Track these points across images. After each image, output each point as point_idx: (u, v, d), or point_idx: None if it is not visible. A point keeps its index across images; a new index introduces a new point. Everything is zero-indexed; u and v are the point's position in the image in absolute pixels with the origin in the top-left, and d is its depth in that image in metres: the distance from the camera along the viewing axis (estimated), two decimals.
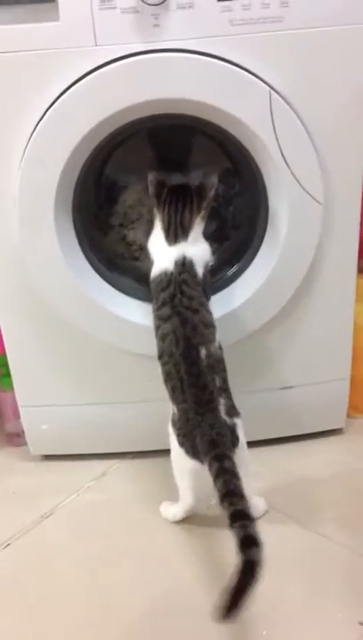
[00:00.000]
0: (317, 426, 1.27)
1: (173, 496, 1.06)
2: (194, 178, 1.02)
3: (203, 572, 0.96)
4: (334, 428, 1.28)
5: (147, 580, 0.96)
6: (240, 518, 0.80)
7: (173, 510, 1.07)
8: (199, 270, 0.96)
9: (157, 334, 0.96)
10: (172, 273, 0.95)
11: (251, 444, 0.98)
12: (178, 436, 0.95)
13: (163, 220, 0.98)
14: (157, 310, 0.97)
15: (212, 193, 0.97)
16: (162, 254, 0.98)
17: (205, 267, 0.98)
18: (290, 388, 1.21)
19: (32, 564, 1.02)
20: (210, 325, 0.95)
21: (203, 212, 0.97)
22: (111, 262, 1.14)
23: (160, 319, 0.95)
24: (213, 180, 0.96)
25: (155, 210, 0.99)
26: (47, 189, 0.97)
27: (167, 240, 0.98)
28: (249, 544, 0.77)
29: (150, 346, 1.09)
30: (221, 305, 1.07)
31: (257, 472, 1.05)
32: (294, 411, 1.23)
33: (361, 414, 1.33)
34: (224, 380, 0.94)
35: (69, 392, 1.21)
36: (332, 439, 1.28)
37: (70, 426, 1.24)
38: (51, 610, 0.92)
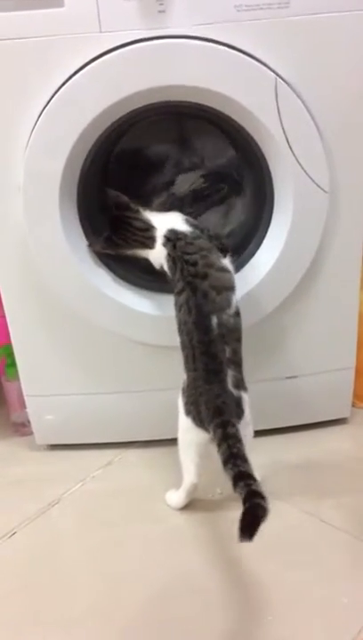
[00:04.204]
0: (321, 415, 1.27)
1: (176, 484, 1.07)
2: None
3: (208, 559, 0.97)
4: (339, 417, 1.28)
5: (153, 567, 0.97)
6: (244, 478, 0.81)
7: (176, 496, 1.08)
8: (184, 227, 0.99)
9: (176, 307, 0.97)
10: (169, 254, 0.98)
11: (255, 434, 0.98)
12: (185, 404, 0.96)
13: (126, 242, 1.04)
14: (174, 288, 0.98)
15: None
16: (157, 252, 1.01)
17: (188, 220, 1.00)
18: (295, 377, 1.21)
19: (38, 552, 1.02)
20: (223, 289, 0.94)
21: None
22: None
23: (177, 294, 0.97)
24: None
25: None
26: (52, 177, 0.97)
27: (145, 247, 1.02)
28: (255, 495, 0.78)
29: (154, 334, 1.10)
30: None
31: (260, 460, 1.05)
32: (299, 400, 1.23)
33: None
34: (236, 353, 0.94)
35: (75, 382, 1.21)
36: (336, 428, 1.28)
37: (76, 415, 1.24)
38: (57, 597, 0.93)
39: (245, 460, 0.84)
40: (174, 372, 0.98)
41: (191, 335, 0.93)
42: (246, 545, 0.97)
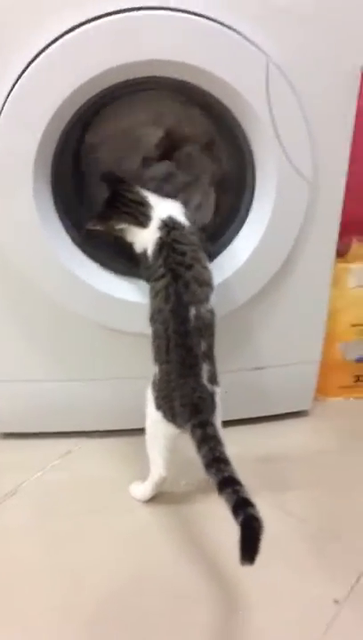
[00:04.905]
0: (283, 407, 1.27)
1: (140, 476, 1.04)
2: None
3: (175, 552, 0.95)
4: (301, 409, 1.29)
5: (117, 560, 0.94)
6: (230, 484, 0.80)
7: (143, 488, 1.05)
8: (183, 219, 0.96)
9: (151, 294, 0.95)
10: (161, 238, 0.94)
11: None
12: (156, 398, 0.93)
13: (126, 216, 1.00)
14: (154, 272, 0.95)
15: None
16: (146, 237, 0.97)
17: (186, 215, 0.98)
18: (262, 368, 1.20)
19: None
20: (204, 284, 0.93)
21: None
22: (90, 234, 1.09)
23: (155, 280, 0.94)
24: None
25: None
26: (26, 153, 0.91)
27: (138, 225, 0.99)
28: (245, 505, 0.77)
29: (124, 320, 1.06)
30: None
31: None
32: (264, 392, 1.23)
33: (325, 396, 1.35)
34: (210, 347, 0.92)
35: (34, 367, 1.15)
36: (298, 420, 1.29)
37: (33, 403, 1.18)
38: (16, 593, 0.88)
39: (227, 462, 0.83)
40: (139, 361, 0.95)
41: (167, 324, 0.91)
42: (214, 538, 0.97)
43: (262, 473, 1.13)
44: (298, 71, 0.92)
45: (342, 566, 0.93)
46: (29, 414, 1.20)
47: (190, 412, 0.88)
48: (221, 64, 0.89)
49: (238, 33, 0.89)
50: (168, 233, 0.94)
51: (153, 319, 0.94)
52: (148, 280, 0.97)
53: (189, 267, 0.92)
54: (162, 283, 0.92)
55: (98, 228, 1.02)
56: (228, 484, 0.80)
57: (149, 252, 0.96)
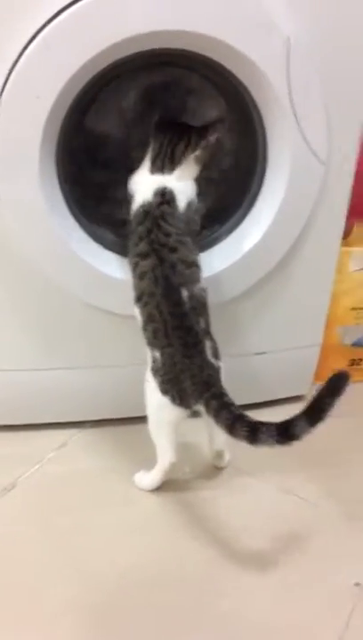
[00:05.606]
0: (283, 392, 1.26)
1: (139, 465, 1.02)
2: None
3: (180, 541, 0.93)
4: (299, 394, 1.29)
5: (121, 552, 0.91)
6: (263, 424, 0.82)
7: (150, 477, 1.02)
8: (181, 204, 0.92)
9: (135, 273, 0.91)
10: (150, 204, 0.90)
11: None
12: (161, 383, 0.91)
13: (153, 148, 0.93)
14: (134, 246, 0.91)
15: (213, 137, 0.92)
16: (143, 186, 0.93)
17: (190, 205, 0.93)
18: (264, 353, 1.19)
19: None
20: (192, 264, 0.90)
21: (199, 152, 0.92)
22: (92, 213, 1.03)
23: (138, 255, 0.90)
24: (219, 125, 0.92)
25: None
26: (33, 129, 0.84)
27: (152, 168, 0.93)
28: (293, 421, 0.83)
29: (122, 303, 1.01)
30: (211, 264, 1.02)
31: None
32: (264, 377, 1.22)
33: (320, 382, 1.33)
34: (208, 324, 0.91)
35: (25, 356, 1.10)
36: (296, 406, 1.27)
37: (25, 393, 1.13)
38: (20, 589, 0.85)
39: (251, 419, 0.84)
40: (134, 347, 0.92)
41: (161, 308, 0.88)
42: (228, 526, 0.96)
43: (268, 458, 1.10)
44: (318, 48, 0.89)
45: (360, 548, 0.93)
46: (21, 405, 1.14)
47: (202, 387, 0.87)
48: (241, 36, 0.85)
49: (260, 5, 0.85)
50: (159, 205, 0.90)
51: (142, 302, 0.90)
52: (127, 248, 0.94)
53: (174, 249, 0.88)
54: (147, 264, 0.89)
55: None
56: (260, 424, 0.82)
57: (132, 205, 0.92)
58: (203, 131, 0.92)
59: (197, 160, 0.93)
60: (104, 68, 0.87)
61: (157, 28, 0.82)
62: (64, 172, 0.94)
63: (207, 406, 0.86)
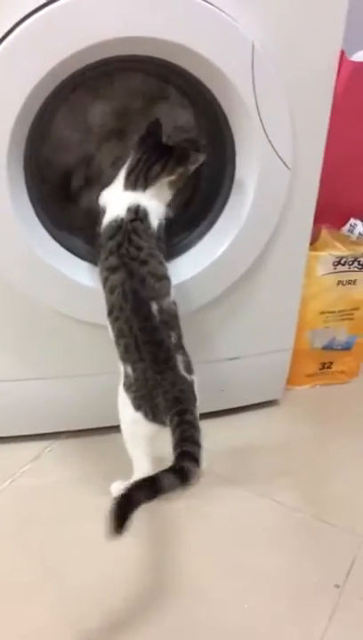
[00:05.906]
0: (256, 397, 1.27)
1: (114, 475, 0.99)
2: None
3: (158, 550, 0.92)
4: (273, 398, 1.29)
5: (99, 564, 0.89)
6: (186, 454, 0.80)
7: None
8: (153, 222, 0.92)
9: (105, 287, 0.90)
10: (123, 219, 0.90)
11: None
12: (134, 399, 0.89)
13: (130, 163, 0.92)
14: (104, 260, 0.91)
15: (191, 166, 0.92)
16: (116, 201, 0.92)
17: (160, 222, 0.93)
18: (237, 358, 1.19)
19: None
20: (162, 278, 0.90)
21: (174, 177, 0.92)
22: (60, 221, 1.02)
23: (108, 270, 0.90)
24: (199, 156, 0.92)
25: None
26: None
27: (125, 184, 0.92)
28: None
29: (95, 312, 1.00)
30: (179, 271, 1.02)
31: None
32: (238, 382, 1.22)
33: (292, 385, 1.36)
34: (179, 337, 0.90)
35: None
36: (269, 410, 1.29)
37: None
38: (5, 605, 0.82)
39: (197, 444, 0.81)
40: (107, 356, 0.91)
41: (130, 323, 0.87)
42: (205, 533, 0.95)
43: (245, 464, 1.12)
44: (282, 54, 0.90)
45: (339, 551, 0.93)
46: None
47: (172, 403, 0.85)
48: (207, 43, 0.86)
49: (225, 12, 0.86)
50: (131, 221, 0.90)
51: (113, 316, 0.89)
52: (96, 262, 0.93)
53: (144, 262, 0.88)
54: (116, 278, 0.88)
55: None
56: (184, 456, 0.79)
57: (103, 218, 0.92)
58: (182, 158, 0.91)
59: (171, 185, 0.93)
60: (72, 74, 0.87)
61: (121, 35, 0.82)
62: (32, 179, 0.92)
63: (170, 422, 0.84)
